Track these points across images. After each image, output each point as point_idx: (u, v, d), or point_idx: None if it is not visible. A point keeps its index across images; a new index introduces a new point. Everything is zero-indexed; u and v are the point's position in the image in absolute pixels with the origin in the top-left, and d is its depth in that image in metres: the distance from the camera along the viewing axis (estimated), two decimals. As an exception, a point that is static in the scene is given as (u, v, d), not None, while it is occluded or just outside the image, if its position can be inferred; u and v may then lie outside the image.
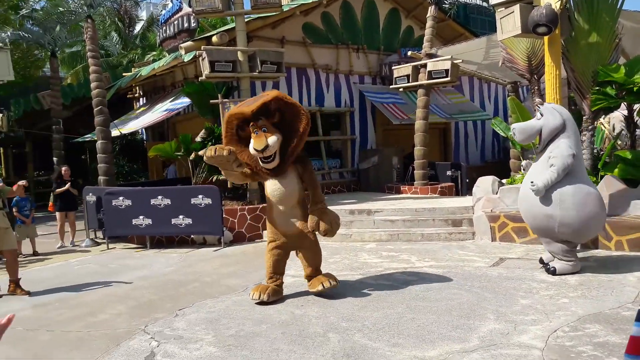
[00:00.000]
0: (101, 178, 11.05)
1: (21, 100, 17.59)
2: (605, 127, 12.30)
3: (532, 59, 8.79)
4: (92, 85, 11.24)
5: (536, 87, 8.95)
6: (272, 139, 5.08)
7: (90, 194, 10.27)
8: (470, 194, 9.72)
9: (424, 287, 5.65)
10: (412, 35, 15.68)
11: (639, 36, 9.42)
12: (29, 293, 6.29)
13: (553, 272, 5.81)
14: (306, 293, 5.63)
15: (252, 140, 5.15)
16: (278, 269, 5.56)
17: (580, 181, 5.71)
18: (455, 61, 11.30)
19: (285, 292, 5.72)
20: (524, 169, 6.46)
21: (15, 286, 6.37)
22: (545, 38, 7.26)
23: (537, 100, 6.17)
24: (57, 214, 10.16)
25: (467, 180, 12.57)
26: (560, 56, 7.54)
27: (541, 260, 6.25)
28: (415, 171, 12.25)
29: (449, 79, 11.18)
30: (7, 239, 6.42)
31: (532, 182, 5.70)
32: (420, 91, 11.87)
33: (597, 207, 5.72)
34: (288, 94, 12.70)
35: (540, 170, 5.80)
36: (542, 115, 5.89)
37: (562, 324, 4.27)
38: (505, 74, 12.38)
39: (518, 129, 5.95)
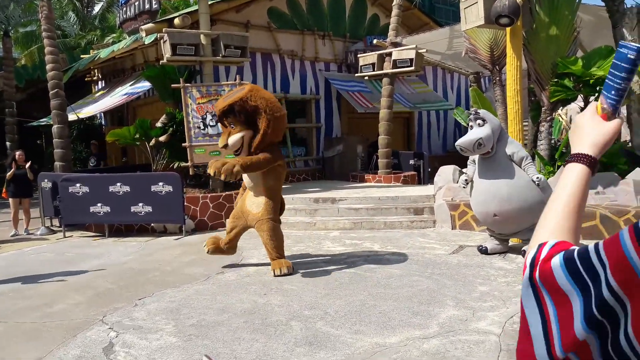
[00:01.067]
0: (57, 164, 10.67)
1: (-29, 82, 16.79)
2: (562, 119, 12.68)
3: (494, 49, 8.94)
4: (48, 66, 10.80)
5: (497, 78, 9.13)
6: (233, 138, 5.64)
7: (46, 180, 9.91)
8: (432, 183, 9.88)
9: (385, 274, 5.72)
10: (378, 24, 15.69)
11: (597, 30, 9.70)
12: None
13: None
14: (270, 282, 5.61)
15: None
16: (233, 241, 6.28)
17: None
18: (419, 50, 11.38)
19: (249, 280, 5.69)
20: (464, 183, 6.53)
21: None
22: (508, 29, 7.38)
23: (473, 109, 6.34)
24: (11, 201, 9.77)
25: (430, 170, 12.76)
26: (522, 48, 7.69)
27: (482, 249, 6.47)
28: (379, 160, 12.34)
29: (413, 68, 11.26)
30: None
31: (537, 178, 5.95)
32: (385, 80, 11.92)
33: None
34: (252, 79, 12.58)
35: (505, 174, 6.06)
36: (484, 121, 6.03)
37: (519, 310, 4.38)
38: (468, 64, 12.58)
39: (487, 139, 5.95)
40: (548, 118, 8.47)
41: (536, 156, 8.80)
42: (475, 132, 6.00)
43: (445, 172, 8.93)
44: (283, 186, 11.91)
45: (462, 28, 7.97)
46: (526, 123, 9.29)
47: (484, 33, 8.83)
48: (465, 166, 9.91)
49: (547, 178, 8.01)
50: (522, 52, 7.71)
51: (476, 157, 6.30)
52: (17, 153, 9.93)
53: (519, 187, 5.99)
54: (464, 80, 17.49)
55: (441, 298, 4.79)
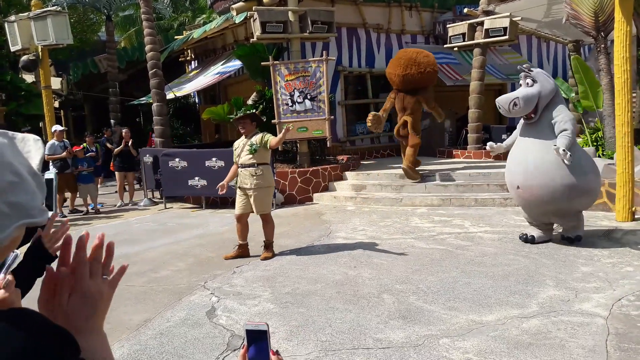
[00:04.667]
0: (157, 139, 11.35)
1: (79, 64, 18.18)
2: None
3: (599, 15, 8.26)
4: (147, 47, 11.42)
5: (602, 46, 8.45)
6: None
7: (148, 155, 10.60)
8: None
9: (478, 252, 5.58)
10: (468, -8, 14.98)
11: None
12: None
13: (579, 239, 5.55)
14: (359, 255, 5.67)
15: None
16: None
17: (578, 146, 5.67)
18: (514, 18, 10.76)
19: (338, 253, 5.78)
20: (491, 150, 6.23)
21: None
22: (617, -8, 6.77)
23: (526, 65, 5.64)
24: (117, 174, 10.57)
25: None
26: (632, 11, 7.03)
27: (527, 238, 5.80)
28: (468, 135, 11.93)
29: (507, 37, 10.68)
30: None
31: (562, 149, 5.15)
32: (476, 50, 11.42)
33: (598, 170, 5.70)
34: (338, 55, 12.58)
35: (539, 145, 5.42)
36: (534, 81, 5.50)
37: (627, 292, 4.13)
38: (567, 32, 11.73)
39: (525, 99, 5.40)
40: (661, 88, 7.75)
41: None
42: (518, 91, 5.55)
43: (542, 147, 8.47)
44: (369, 162, 11.88)
45: (564, -8, 7.42)
46: (634, 94, 8.57)
47: (588, -3, 8.18)
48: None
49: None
50: (632, 16, 7.06)
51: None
52: (124, 130, 10.68)
53: (548, 162, 5.30)
54: (562, 49, 16.34)
55: (540, 277, 4.60)
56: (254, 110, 8.18)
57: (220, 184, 5.92)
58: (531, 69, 5.65)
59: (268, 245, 5.87)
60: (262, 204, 5.79)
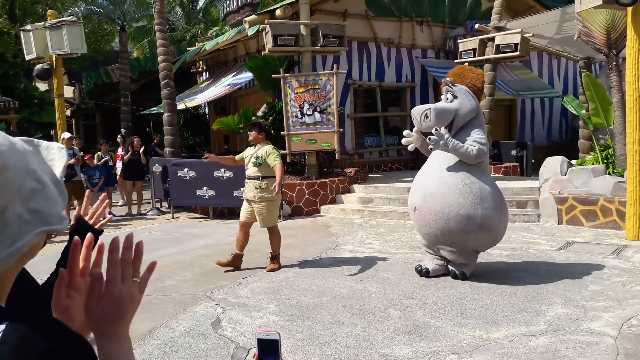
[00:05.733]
0: (167, 149, 11.43)
1: (92, 74, 18.42)
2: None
3: (612, 32, 8.24)
4: (160, 58, 11.55)
5: (614, 63, 8.42)
6: None
7: (157, 165, 10.66)
8: (536, 175, 9.37)
9: (487, 268, 5.53)
10: (480, 8, 15.04)
11: None
12: None
13: (464, 277, 5.04)
14: (366, 269, 5.64)
15: None
16: None
17: (491, 179, 5.15)
18: (525, 35, 10.78)
19: (345, 266, 5.76)
20: (406, 137, 5.46)
21: None
22: (629, 9, 6.76)
23: (449, 79, 5.26)
24: (125, 182, 10.63)
25: (533, 161, 12.10)
26: (644, 29, 7.01)
27: (422, 271, 5.23)
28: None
29: (518, 53, 10.67)
30: None
31: (440, 133, 4.79)
32: (487, 66, 11.42)
33: (507, 211, 5.14)
34: (348, 68, 12.64)
35: (446, 167, 4.97)
36: (454, 97, 5.09)
37: (637, 312, 4.07)
38: (578, 49, 11.71)
39: (437, 111, 4.97)
40: (673, 106, 7.69)
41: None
42: (434, 104, 5.16)
43: (552, 163, 8.43)
44: (376, 175, 11.87)
45: (576, 10, 7.43)
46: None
47: (600, 14, 8.16)
48: (572, 158, 9.33)
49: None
50: (644, 33, 7.04)
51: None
52: (135, 139, 10.76)
53: (451, 187, 4.84)
54: (573, 66, 16.31)
55: (548, 295, 4.55)
56: (262, 120, 8.19)
57: (212, 156, 6.09)
58: (455, 84, 5.24)
59: (274, 256, 5.84)
60: (267, 218, 5.71)
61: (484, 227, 4.82)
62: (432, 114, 4.92)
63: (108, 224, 7.35)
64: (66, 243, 1.33)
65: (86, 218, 1.51)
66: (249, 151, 5.88)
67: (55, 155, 0.88)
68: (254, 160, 5.70)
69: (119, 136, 11.77)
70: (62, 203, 0.79)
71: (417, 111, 5.07)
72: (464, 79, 9.31)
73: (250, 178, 5.73)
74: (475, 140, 4.93)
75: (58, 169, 0.86)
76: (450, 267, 5.19)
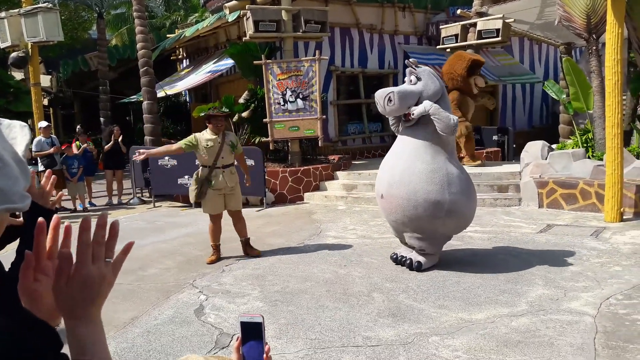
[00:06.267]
0: (147, 138, 11.27)
1: (69, 62, 18.03)
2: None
3: (592, 17, 8.30)
4: (138, 45, 11.34)
5: (594, 48, 8.49)
6: None
7: (137, 153, 10.49)
8: (517, 159, 9.46)
9: (469, 251, 5.58)
10: (461, -6, 15.04)
11: None
12: None
13: (418, 268, 4.89)
14: (349, 254, 5.65)
15: None
16: None
17: (458, 163, 5.03)
18: (506, 20, 10.81)
19: (328, 252, 5.76)
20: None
21: None
22: (608, -6, 6.81)
23: (412, 60, 5.05)
24: (106, 172, 10.48)
25: (514, 146, 12.20)
26: (624, 14, 7.07)
27: (397, 259, 5.18)
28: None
29: (499, 39, 10.71)
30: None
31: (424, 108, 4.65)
32: (469, 52, 11.44)
33: (475, 195, 5.04)
34: (330, 54, 12.54)
35: (411, 151, 4.82)
36: (418, 79, 4.91)
37: (615, 291, 4.14)
38: (558, 35, 11.79)
39: (400, 94, 4.77)
40: (651, 90, 7.81)
41: (634, 131, 8.17)
42: (397, 87, 4.97)
43: (533, 148, 8.51)
44: (360, 162, 11.89)
45: (556, -6, 7.45)
46: (624, 96, 8.62)
47: (580, -1, 8.22)
48: (553, 143, 9.42)
49: (647, 155, 7.43)
50: (624, 18, 7.10)
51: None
52: (115, 128, 10.58)
53: (417, 173, 4.71)
54: (554, 51, 16.45)
55: (529, 277, 4.60)
56: (224, 110, 8.00)
57: (143, 151, 5.79)
58: (418, 65, 5.04)
59: (248, 241, 5.87)
60: (240, 200, 5.85)
61: (452, 212, 4.74)
62: (395, 97, 4.74)
63: (88, 213, 7.25)
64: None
65: (36, 199, 1.43)
66: (204, 139, 5.59)
67: (18, 134, 0.85)
68: (229, 148, 5.62)
69: (78, 127, 11.53)
70: (24, 182, 0.75)
71: (380, 95, 4.86)
72: (454, 67, 9.48)
73: (226, 166, 5.63)
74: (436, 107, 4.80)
75: (20, 147, 0.82)
76: (407, 256, 5.04)
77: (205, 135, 5.61)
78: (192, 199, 5.76)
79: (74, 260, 0.81)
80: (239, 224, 5.81)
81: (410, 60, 5.09)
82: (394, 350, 3.29)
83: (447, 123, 4.70)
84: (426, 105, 4.74)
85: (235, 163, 5.80)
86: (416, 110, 4.79)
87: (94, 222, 0.83)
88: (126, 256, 0.85)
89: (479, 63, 9.82)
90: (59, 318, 0.86)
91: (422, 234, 4.87)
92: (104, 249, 0.83)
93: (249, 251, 5.82)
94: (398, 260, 5.17)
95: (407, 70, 5.03)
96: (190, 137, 5.67)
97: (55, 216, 0.86)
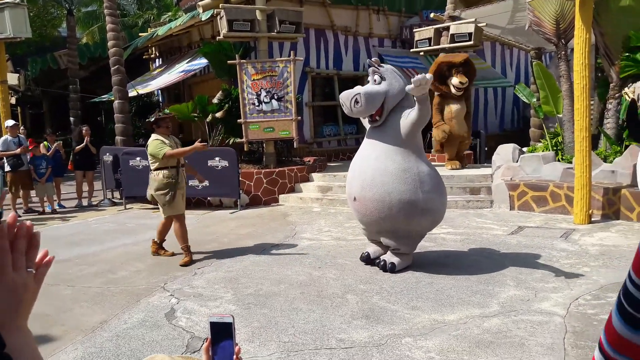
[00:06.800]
0: (118, 138, 11.05)
1: (38, 59, 17.58)
2: (629, 97, 11.96)
3: (561, 22, 8.48)
4: (110, 43, 11.12)
5: (563, 53, 8.68)
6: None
7: (108, 154, 10.29)
8: (489, 162, 9.60)
9: (441, 253, 5.62)
10: (435, -2, 15.21)
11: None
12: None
13: (392, 269, 4.90)
14: (323, 256, 5.63)
15: None
16: None
17: (427, 161, 5.03)
18: (479, 24, 10.97)
19: (303, 254, 5.73)
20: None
21: None
22: (577, 0, 6.97)
23: (374, 59, 5.03)
24: (76, 173, 10.23)
25: (486, 149, 12.38)
26: (592, 19, 7.25)
27: (367, 258, 5.25)
28: (432, 139, 12.07)
29: (472, 42, 10.86)
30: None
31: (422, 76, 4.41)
32: (442, 55, 11.57)
33: (445, 191, 5.08)
34: (306, 56, 12.51)
35: (381, 152, 4.78)
36: (382, 78, 4.84)
37: (584, 292, 4.22)
38: (529, 39, 12.02)
39: (367, 96, 4.69)
40: (616, 95, 8.02)
41: (602, 135, 8.37)
42: (362, 87, 4.86)
43: (505, 150, 8.65)
44: (335, 164, 11.89)
45: (527, 0, 7.59)
46: (592, 101, 8.83)
47: (549, 4, 8.38)
48: (524, 146, 9.60)
49: (613, 158, 7.63)
50: (591, 24, 7.28)
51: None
52: (84, 128, 10.34)
53: (389, 174, 4.68)
54: (524, 56, 16.77)
55: (501, 278, 4.66)
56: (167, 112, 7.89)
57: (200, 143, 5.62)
58: (381, 64, 4.95)
59: (162, 243, 6.00)
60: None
61: (425, 210, 4.75)
62: (362, 98, 4.66)
63: (57, 215, 7.04)
64: None
65: None
66: (168, 142, 5.69)
67: None
68: (178, 147, 5.81)
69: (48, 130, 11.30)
70: None
71: (347, 96, 4.76)
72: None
73: (182, 165, 5.82)
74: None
75: None
76: (382, 257, 5.05)
77: (161, 139, 5.67)
78: (164, 202, 5.65)
79: None
80: (168, 227, 5.88)
81: (373, 59, 5.03)
82: (368, 352, 3.28)
83: (428, 111, 4.68)
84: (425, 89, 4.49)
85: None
86: (419, 93, 4.50)
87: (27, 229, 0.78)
88: (48, 269, 0.81)
89: (449, 64, 9.94)
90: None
91: (397, 234, 4.89)
92: (23, 257, 0.78)
93: (162, 252, 5.95)
94: (368, 260, 5.20)
95: (370, 69, 4.96)
96: (162, 142, 5.63)
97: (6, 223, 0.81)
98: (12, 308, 0.76)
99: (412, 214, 4.74)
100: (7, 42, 10.90)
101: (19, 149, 8.98)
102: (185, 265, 5.49)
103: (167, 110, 8.34)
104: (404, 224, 4.81)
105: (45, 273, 0.82)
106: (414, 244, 5.09)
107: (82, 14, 22.87)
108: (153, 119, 5.83)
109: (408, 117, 4.75)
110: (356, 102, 4.69)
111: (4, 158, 8.94)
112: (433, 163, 11.31)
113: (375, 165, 4.78)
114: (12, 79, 16.56)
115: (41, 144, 9.94)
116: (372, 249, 5.28)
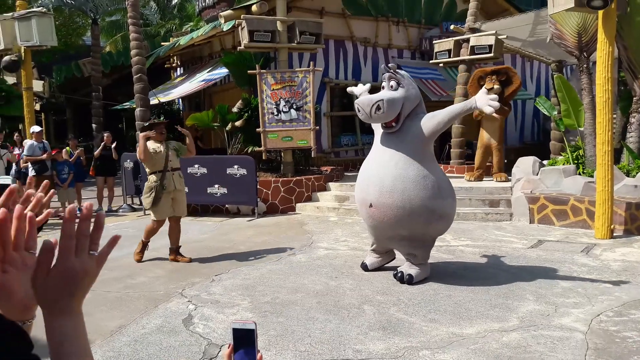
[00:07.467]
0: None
1: (63, 67, 17.97)
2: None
3: (583, 35, 8.41)
4: (132, 52, 11.31)
5: (585, 66, 8.60)
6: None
7: (128, 160, 10.44)
8: (508, 175, 9.51)
9: (460, 265, 5.57)
10: (455, 9, 15.22)
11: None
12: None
13: (410, 281, 4.86)
14: (340, 265, 5.62)
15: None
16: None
17: (439, 167, 5.13)
18: (499, 37, 10.92)
19: (319, 263, 5.73)
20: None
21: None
22: (600, 13, 6.91)
23: (391, 65, 4.99)
24: (97, 178, 10.39)
25: (505, 161, 12.26)
26: (615, 33, 7.17)
27: (365, 269, 5.34)
28: (452, 150, 12.01)
29: (492, 54, 10.81)
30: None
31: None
32: (462, 67, 11.54)
33: (455, 195, 5.14)
34: (325, 66, 12.59)
35: (399, 159, 4.77)
36: (399, 84, 4.82)
37: (606, 308, 4.14)
38: (550, 52, 11.93)
39: (389, 102, 4.68)
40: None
41: (625, 149, 8.25)
42: (382, 93, 4.81)
43: (525, 163, 8.57)
44: (352, 173, 11.88)
45: (549, 12, 7.54)
46: (615, 114, 8.71)
47: (571, 17, 8.32)
48: (543, 159, 9.49)
49: (637, 173, 7.50)
50: (614, 37, 7.20)
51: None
52: (105, 134, 10.51)
53: (409, 181, 4.67)
54: (545, 68, 16.64)
55: (520, 292, 4.60)
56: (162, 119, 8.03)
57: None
58: (397, 70, 4.94)
59: (178, 249, 6.10)
60: (185, 207, 6.23)
61: (443, 215, 4.85)
62: (385, 105, 4.65)
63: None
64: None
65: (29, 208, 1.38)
66: (154, 147, 5.91)
67: None
68: (175, 152, 6.02)
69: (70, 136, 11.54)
70: None
71: (367, 103, 4.70)
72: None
73: (175, 169, 5.98)
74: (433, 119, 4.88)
75: None
76: (399, 269, 5.04)
77: (149, 144, 5.91)
78: (146, 205, 6.00)
79: (56, 252, 0.78)
80: (176, 230, 6.07)
81: (390, 64, 5.01)
82: (385, 363, 3.26)
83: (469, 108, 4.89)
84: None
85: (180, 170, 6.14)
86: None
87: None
88: (111, 249, 0.81)
89: (481, 74, 9.96)
90: (32, 311, 0.84)
91: (412, 239, 4.92)
92: (88, 241, 0.79)
93: (179, 258, 6.04)
94: (365, 271, 5.33)
95: (386, 75, 4.91)
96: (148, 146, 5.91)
97: (18, 206, 0.82)
98: (68, 292, 0.77)
99: (430, 219, 4.78)
100: (33, 50, 11.17)
101: (44, 155, 9.16)
102: (139, 260, 5.99)
103: (162, 118, 8.64)
104: (422, 229, 4.84)
105: (107, 254, 0.81)
106: (428, 248, 5.09)
107: (106, 23, 23.35)
108: (147, 124, 6.17)
109: (434, 118, 4.84)
110: (378, 108, 4.67)
111: (29, 162, 9.13)
112: (451, 175, 11.29)
113: (395, 172, 4.74)
114: (37, 86, 16.93)
115: (63, 150, 10.12)
116: (370, 260, 5.39)
